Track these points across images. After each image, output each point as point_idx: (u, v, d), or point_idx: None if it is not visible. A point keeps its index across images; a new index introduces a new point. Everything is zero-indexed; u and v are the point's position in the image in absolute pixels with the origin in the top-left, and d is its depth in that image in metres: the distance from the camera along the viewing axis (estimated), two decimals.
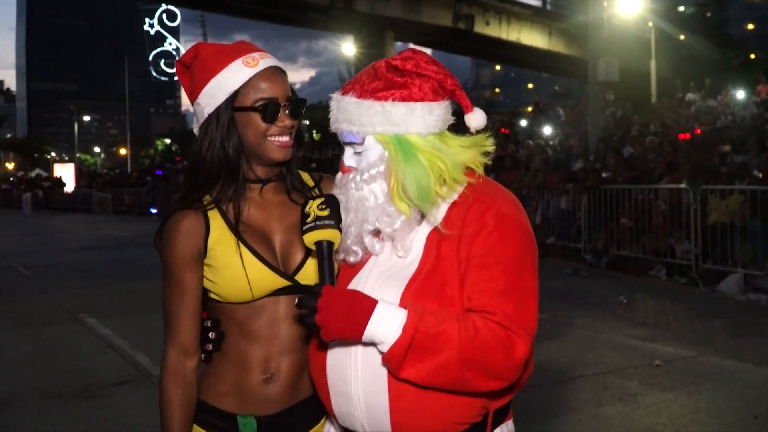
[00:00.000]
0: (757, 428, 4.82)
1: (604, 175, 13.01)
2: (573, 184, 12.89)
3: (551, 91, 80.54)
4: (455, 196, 1.80)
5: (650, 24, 25.55)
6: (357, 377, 1.78)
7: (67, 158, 79.83)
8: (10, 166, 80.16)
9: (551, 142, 20.18)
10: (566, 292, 9.95)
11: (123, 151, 69.75)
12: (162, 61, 54.86)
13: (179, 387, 1.95)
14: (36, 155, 76.32)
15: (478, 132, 1.90)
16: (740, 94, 19.16)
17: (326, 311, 1.66)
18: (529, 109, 32.84)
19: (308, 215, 1.82)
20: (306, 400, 2.01)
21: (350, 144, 1.87)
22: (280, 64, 2.01)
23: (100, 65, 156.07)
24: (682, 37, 30.69)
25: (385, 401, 1.75)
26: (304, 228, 1.81)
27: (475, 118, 1.89)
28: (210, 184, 1.98)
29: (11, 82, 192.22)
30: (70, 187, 48.62)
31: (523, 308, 1.70)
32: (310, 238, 1.80)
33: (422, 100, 1.81)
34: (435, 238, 1.79)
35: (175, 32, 58.64)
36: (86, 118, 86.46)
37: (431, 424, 1.76)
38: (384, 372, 1.74)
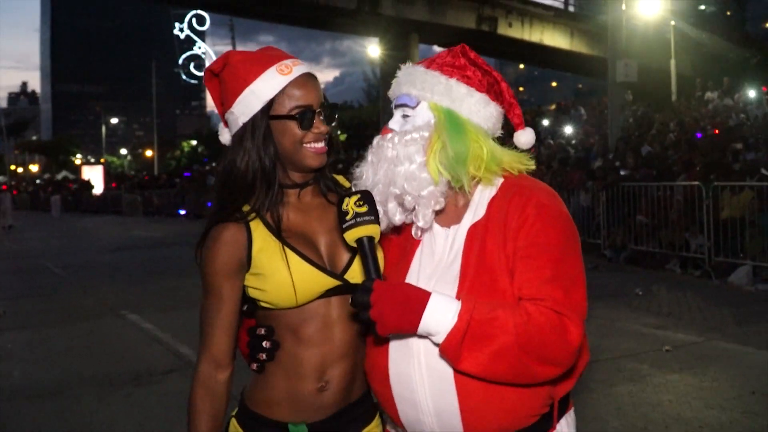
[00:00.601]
0: (755, 402, 5.29)
1: (622, 173, 13.47)
2: (592, 181, 13.37)
3: (575, 89, 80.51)
4: (495, 191, 1.87)
5: (672, 23, 25.85)
6: (423, 384, 1.79)
7: (92, 160, 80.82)
8: (34, 168, 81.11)
9: (573, 141, 20.62)
10: (586, 285, 10.45)
11: (149, 153, 70.74)
12: (192, 64, 55.44)
13: (208, 398, 1.94)
14: (62, 157, 77.29)
15: (522, 151, 1.95)
16: (752, 93, 19.50)
17: (380, 305, 1.68)
18: (552, 107, 33.26)
19: (347, 213, 1.81)
20: (356, 401, 2.02)
21: (402, 106, 1.92)
22: (312, 70, 2.03)
23: (124, 67, 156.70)
24: (700, 36, 30.91)
25: (455, 403, 1.77)
26: (345, 226, 1.81)
27: (525, 136, 1.96)
28: (247, 193, 1.98)
29: (35, 84, 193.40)
30: (98, 189, 49.51)
31: (572, 293, 1.74)
32: (352, 236, 1.81)
33: (481, 92, 1.90)
34: (476, 234, 1.83)
35: (203, 36, 59.53)
36: (113, 121, 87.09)
37: (501, 419, 1.78)
38: (450, 374, 1.76)
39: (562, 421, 1.91)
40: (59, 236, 24.77)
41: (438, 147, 1.83)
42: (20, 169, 77.07)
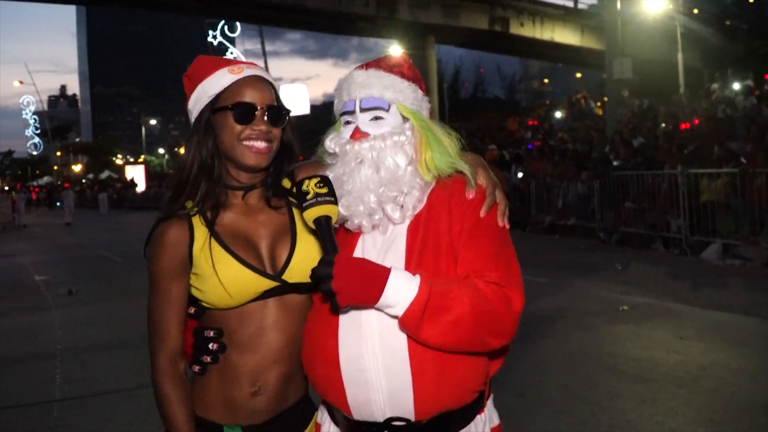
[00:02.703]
0: (683, 345, 6.65)
1: (615, 163, 14.83)
2: (586, 172, 14.77)
3: (599, 80, 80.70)
4: (433, 184, 1.95)
5: (676, 18, 26.81)
6: (377, 363, 1.83)
7: (132, 160, 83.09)
8: (76, 168, 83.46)
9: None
10: (574, 263, 11.91)
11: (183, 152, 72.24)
12: None
13: (176, 387, 1.98)
14: (104, 158, 79.79)
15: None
16: (736, 85, 20.59)
17: (342, 277, 1.72)
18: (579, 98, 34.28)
19: (307, 193, 1.85)
20: (291, 407, 2.06)
21: (372, 109, 1.94)
22: (268, 76, 2.07)
23: (159, 69, 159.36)
24: (706, 30, 31.63)
25: (408, 379, 1.81)
26: (305, 205, 1.85)
27: None
28: (192, 188, 2.01)
29: (74, 87, 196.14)
30: (141, 187, 51.66)
31: (511, 267, 1.87)
32: (311, 214, 1.84)
33: (424, 94, 2.04)
34: (418, 222, 1.91)
35: (233, 41, 61.30)
36: (152, 122, 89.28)
37: (451, 395, 1.85)
38: (404, 351, 1.81)
39: (488, 402, 2.00)
40: (110, 230, 26.70)
41: (426, 146, 1.92)
42: (62, 169, 79.48)
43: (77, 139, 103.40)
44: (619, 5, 19.51)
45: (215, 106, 1.98)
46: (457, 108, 49.11)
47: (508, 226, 1.95)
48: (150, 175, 57.52)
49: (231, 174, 2.04)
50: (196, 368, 2.03)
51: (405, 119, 1.95)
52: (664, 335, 7.03)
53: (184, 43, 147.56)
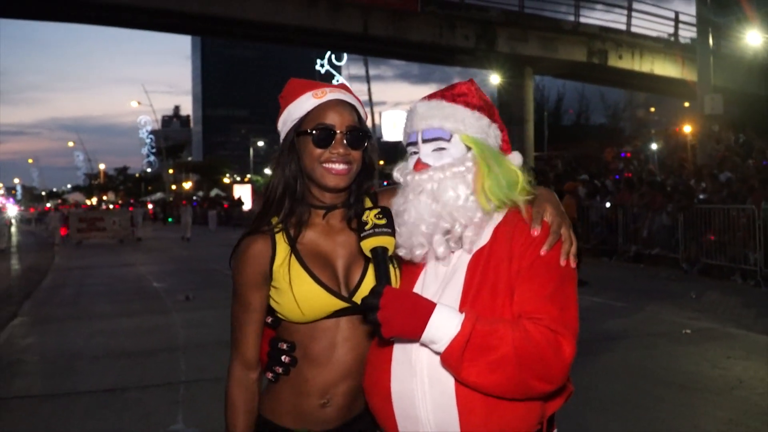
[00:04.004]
0: (729, 363, 7.36)
1: (701, 196, 15.31)
2: (671, 203, 15.32)
3: None
4: (501, 218, 1.93)
5: None
6: (425, 400, 1.84)
7: (239, 179, 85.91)
8: (187, 186, 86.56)
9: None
10: (652, 290, 12.55)
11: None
12: None
13: (243, 396, 2.09)
14: (214, 177, 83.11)
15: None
16: None
17: (388, 309, 1.76)
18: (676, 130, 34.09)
19: (366, 223, 1.92)
20: (359, 415, 2.11)
21: (434, 140, 1.95)
22: (351, 99, 2.11)
23: (268, 93, 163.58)
24: None
25: (455, 419, 1.83)
26: (363, 235, 1.91)
27: (516, 159, 2.02)
28: (278, 207, 2.10)
29: (186, 107, 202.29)
30: (247, 205, 53.93)
31: (566, 311, 1.82)
32: (368, 245, 1.91)
33: (494, 122, 2.02)
34: (480, 258, 1.90)
35: (338, 68, 63.61)
36: (260, 144, 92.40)
37: None
38: (452, 390, 1.82)
39: None
40: (219, 245, 28.16)
41: (486, 176, 1.90)
42: (173, 187, 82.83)
43: (189, 158, 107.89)
44: (711, 42, 19.92)
45: (299, 129, 2.07)
46: (559, 136, 49.16)
47: (573, 265, 1.91)
48: (256, 194, 59.90)
49: (313, 194, 2.11)
50: (270, 375, 2.12)
51: (469, 149, 1.96)
52: (714, 354, 7.73)
53: (293, 67, 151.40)
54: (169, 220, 55.50)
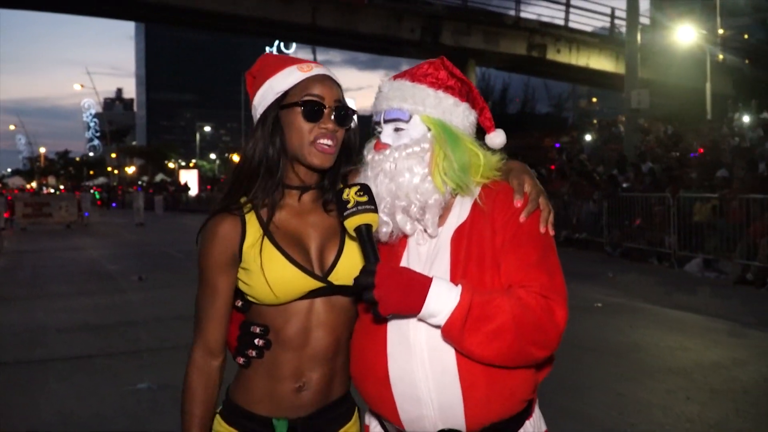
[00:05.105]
0: (631, 331, 8.43)
1: (625, 185, 16.53)
2: (598, 192, 16.52)
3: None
4: (477, 193, 1.94)
5: (706, 48, 28.17)
6: (427, 379, 1.84)
7: (184, 164, 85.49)
8: (130, 170, 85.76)
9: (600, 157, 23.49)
10: (577, 271, 13.58)
11: (236, 158, 74.29)
12: None
13: (202, 383, 2.02)
14: (158, 161, 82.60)
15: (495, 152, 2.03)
16: (746, 118, 22.00)
17: (384, 286, 1.74)
18: (595, 122, 35.67)
19: (348, 201, 1.86)
20: (336, 401, 2.08)
21: (394, 121, 1.95)
22: (335, 77, 2.04)
23: (214, 76, 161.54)
24: (737, 61, 32.83)
25: (459, 394, 1.83)
26: (345, 213, 1.85)
27: (500, 137, 2.05)
28: (249, 185, 2.01)
29: (130, 90, 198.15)
30: (194, 191, 54.12)
31: (555, 277, 1.87)
32: (352, 223, 1.85)
33: (463, 101, 2.00)
34: (462, 234, 1.91)
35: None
36: (207, 129, 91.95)
37: (501, 406, 1.87)
38: (453, 366, 1.83)
39: (536, 408, 2.03)
40: (168, 230, 28.82)
41: (441, 158, 1.89)
42: (116, 171, 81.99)
43: (134, 143, 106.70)
44: (639, 39, 21.19)
45: (283, 102, 1.98)
46: (505, 124, 50.01)
47: (552, 233, 1.95)
48: (202, 180, 60.10)
49: (293, 173, 2.04)
50: (241, 360, 2.05)
51: (429, 129, 1.94)
52: (619, 323, 8.82)
53: (243, 51, 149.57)
54: (113, 205, 55.29)
